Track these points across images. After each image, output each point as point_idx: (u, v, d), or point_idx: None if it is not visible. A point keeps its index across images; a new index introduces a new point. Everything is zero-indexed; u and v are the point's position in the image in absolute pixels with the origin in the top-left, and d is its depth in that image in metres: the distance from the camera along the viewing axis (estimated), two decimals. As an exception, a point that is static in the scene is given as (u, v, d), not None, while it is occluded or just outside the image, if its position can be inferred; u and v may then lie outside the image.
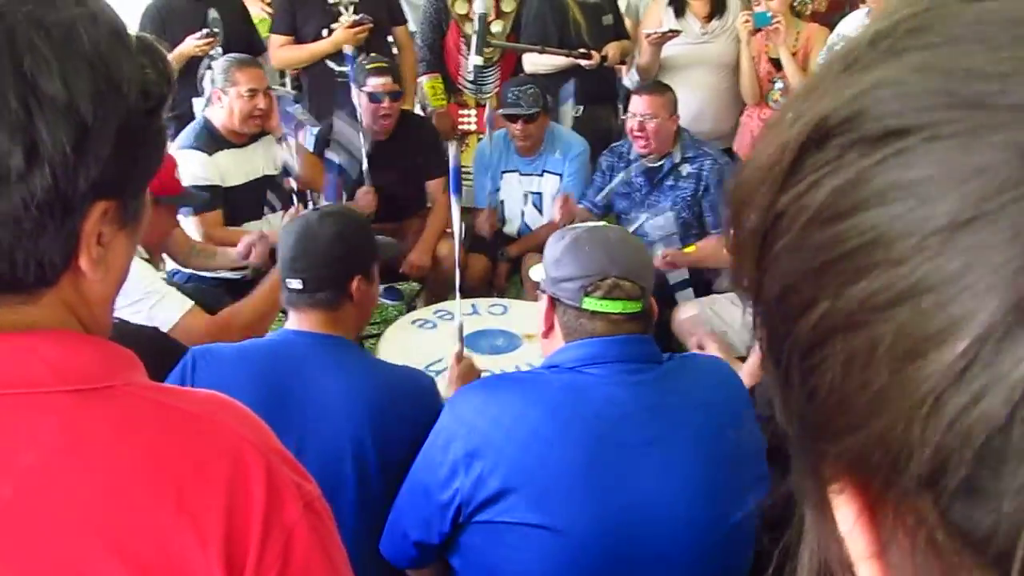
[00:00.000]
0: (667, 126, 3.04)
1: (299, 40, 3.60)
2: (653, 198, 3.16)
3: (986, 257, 0.22)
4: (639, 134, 3.04)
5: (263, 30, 3.92)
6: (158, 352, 1.71)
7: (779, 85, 3.51)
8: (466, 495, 1.31)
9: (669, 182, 3.12)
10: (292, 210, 3.03)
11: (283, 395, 1.54)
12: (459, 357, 1.95)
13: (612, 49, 3.54)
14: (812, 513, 0.30)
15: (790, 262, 0.27)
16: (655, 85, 3.18)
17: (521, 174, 3.44)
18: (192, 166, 2.82)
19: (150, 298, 2.03)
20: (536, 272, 1.59)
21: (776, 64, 3.50)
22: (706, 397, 1.40)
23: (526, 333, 2.56)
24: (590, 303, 1.38)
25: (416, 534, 1.41)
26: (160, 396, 0.65)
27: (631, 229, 2.83)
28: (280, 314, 3.09)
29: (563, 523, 1.27)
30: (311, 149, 3.38)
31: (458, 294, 2.19)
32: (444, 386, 1.86)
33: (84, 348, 0.63)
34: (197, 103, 3.28)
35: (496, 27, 3.63)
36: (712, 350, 1.98)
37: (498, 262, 3.45)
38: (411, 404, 1.61)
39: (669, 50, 3.53)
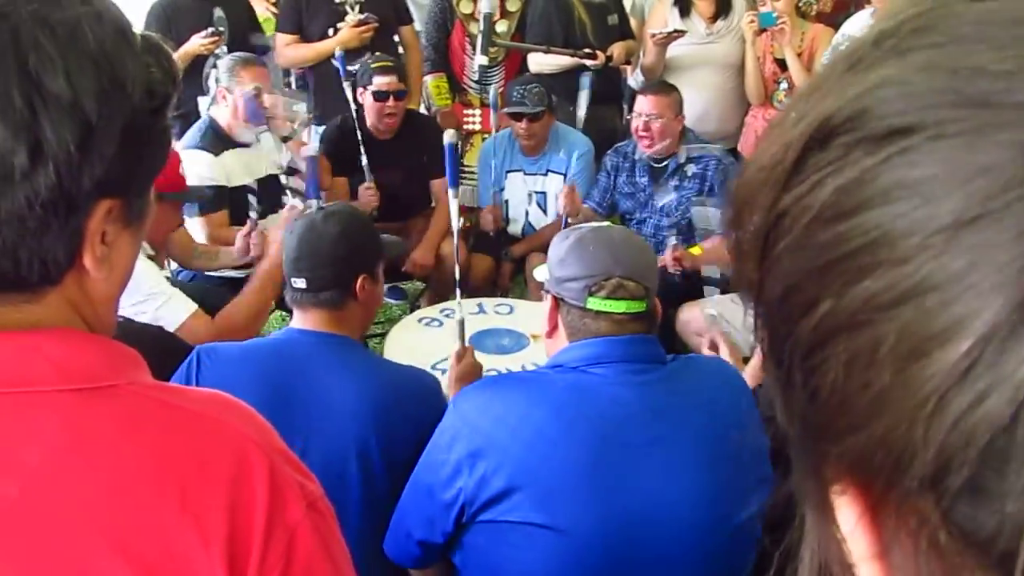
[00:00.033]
0: (672, 126, 3.04)
1: (305, 39, 3.61)
2: (658, 198, 3.16)
3: (991, 256, 0.22)
4: (644, 134, 3.03)
5: (268, 29, 3.93)
6: (162, 351, 1.71)
7: (784, 85, 3.51)
8: (470, 495, 1.31)
9: (674, 182, 3.12)
10: (285, 210, 3.00)
11: (288, 394, 1.54)
12: (460, 356, 1.94)
13: (617, 49, 3.54)
14: (813, 514, 0.30)
15: (792, 262, 0.27)
16: (661, 85, 3.18)
17: (525, 173, 3.44)
18: (198, 167, 2.82)
19: (155, 299, 2.03)
20: (540, 273, 1.59)
21: (781, 64, 3.49)
22: (710, 398, 1.40)
23: (533, 333, 2.56)
24: (594, 303, 1.37)
25: (420, 534, 1.41)
26: (164, 395, 0.65)
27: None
28: (286, 313, 3.09)
29: (567, 523, 1.27)
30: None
31: (458, 292, 2.18)
32: (446, 386, 1.86)
33: (88, 347, 0.63)
34: (202, 102, 3.28)
35: (501, 27, 3.63)
36: (724, 353, 1.98)
37: (502, 262, 3.45)
38: (416, 403, 1.60)
39: (674, 50, 3.53)
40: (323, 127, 3.52)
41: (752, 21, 3.46)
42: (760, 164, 0.29)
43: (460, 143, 3.80)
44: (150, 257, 2.22)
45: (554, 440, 1.29)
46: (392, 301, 3.92)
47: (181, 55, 3.27)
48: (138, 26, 0.64)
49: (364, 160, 3.23)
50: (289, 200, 3.06)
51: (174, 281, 2.60)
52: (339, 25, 3.54)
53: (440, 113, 3.74)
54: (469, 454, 1.31)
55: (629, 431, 1.31)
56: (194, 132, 3.00)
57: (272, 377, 1.55)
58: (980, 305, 0.22)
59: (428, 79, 3.73)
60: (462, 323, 2.00)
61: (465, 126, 3.81)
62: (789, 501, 0.32)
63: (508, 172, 3.45)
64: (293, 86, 4.25)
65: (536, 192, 3.45)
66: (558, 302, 1.44)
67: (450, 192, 2.10)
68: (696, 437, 1.33)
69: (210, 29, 3.38)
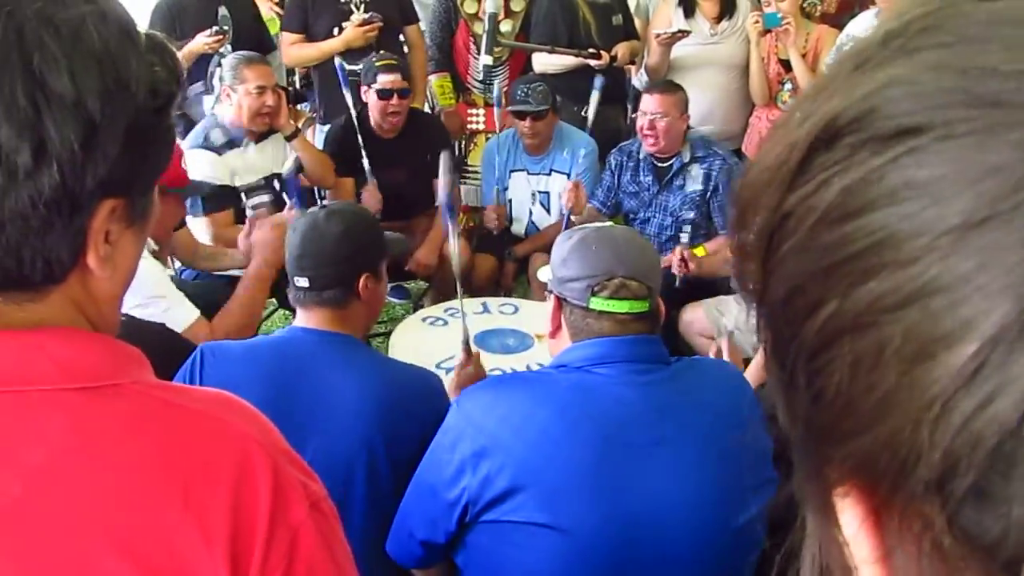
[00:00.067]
0: (677, 125, 3.04)
1: (310, 38, 3.61)
2: (662, 197, 3.16)
3: (1000, 258, 0.22)
4: (649, 132, 3.03)
5: (272, 29, 3.93)
6: (166, 350, 1.71)
7: (788, 86, 3.50)
8: (473, 494, 1.31)
9: (678, 181, 3.12)
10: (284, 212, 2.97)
11: (291, 393, 1.54)
12: (465, 363, 1.93)
13: (622, 49, 3.54)
14: (815, 516, 0.30)
15: (797, 263, 0.27)
16: (667, 84, 3.17)
17: (529, 173, 3.44)
18: (202, 166, 2.83)
19: (158, 304, 2.03)
20: (543, 273, 1.59)
21: (786, 65, 3.49)
22: (714, 399, 1.40)
23: (537, 333, 2.56)
24: (597, 303, 1.37)
25: (422, 533, 1.40)
26: (167, 395, 0.65)
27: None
28: (289, 312, 3.09)
29: (570, 523, 1.26)
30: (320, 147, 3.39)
31: (460, 291, 2.15)
32: (450, 388, 1.85)
33: (92, 346, 0.63)
34: (207, 100, 3.29)
35: (505, 26, 3.63)
36: (726, 356, 1.98)
37: (505, 262, 3.45)
38: (420, 402, 1.60)
39: (679, 50, 3.52)
40: (327, 126, 3.52)
41: (757, 21, 3.46)
42: (765, 164, 0.29)
43: (464, 143, 3.81)
44: (153, 252, 2.22)
45: (558, 440, 1.29)
46: (395, 300, 3.92)
47: (185, 54, 3.28)
48: (142, 25, 0.64)
49: (366, 163, 3.23)
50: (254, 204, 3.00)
51: (178, 280, 2.60)
52: (344, 24, 3.54)
53: (444, 113, 3.75)
54: (473, 454, 1.31)
55: (633, 431, 1.31)
56: (198, 131, 3.00)
57: (276, 375, 1.55)
58: (988, 307, 0.22)
59: (432, 79, 3.73)
60: (466, 339, 1.98)
61: (469, 126, 3.82)
62: (791, 503, 0.32)
63: (512, 171, 3.45)
64: (297, 85, 4.25)
65: (540, 191, 3.45)
66: (561, 302, 1.44)
67: (449, 226, 2.05)
68: (700, 438, 1.33)
69: (214, 28, 3.39)
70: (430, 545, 1.41)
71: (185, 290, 2.20)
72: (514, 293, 3.45)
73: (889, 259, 0.24)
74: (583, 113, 3.48)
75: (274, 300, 3.10)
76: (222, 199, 2.90)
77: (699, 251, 2.99)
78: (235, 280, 2.84)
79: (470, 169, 3.74)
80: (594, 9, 3.59)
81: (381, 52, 3.38)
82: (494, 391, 1.41)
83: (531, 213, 3.48)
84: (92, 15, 0.58)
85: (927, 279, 0.23)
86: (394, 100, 3.19)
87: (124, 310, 0.71)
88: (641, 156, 3.18)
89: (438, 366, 2.28)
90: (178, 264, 2.97)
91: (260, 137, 3.05)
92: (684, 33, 3.43)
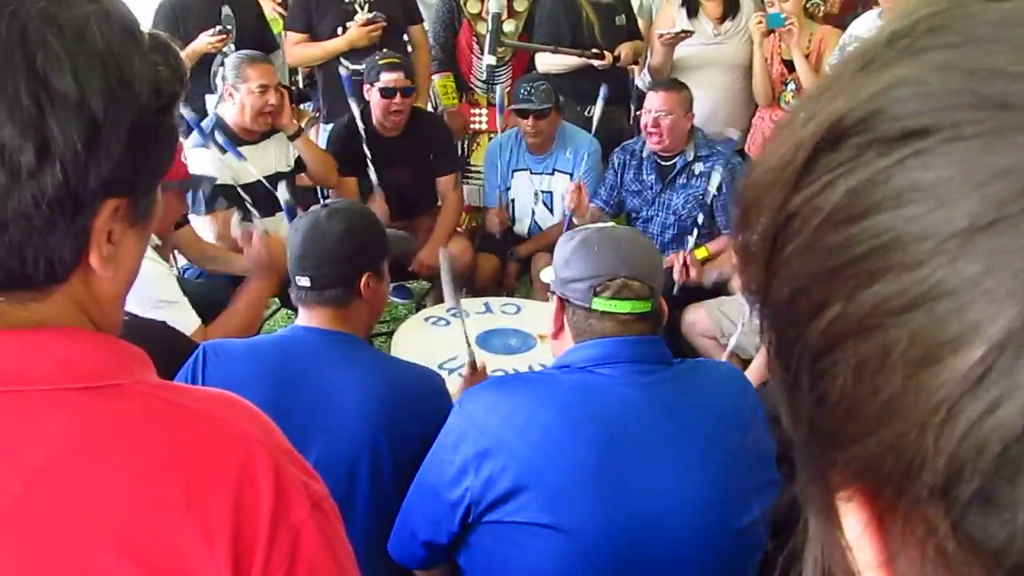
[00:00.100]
0: (682, 123, 3.04)
1: (315, 38, 3.61)
2: (665, 196, 3.16)
3: (1007, 261, 0.22)
4: (653, 130, 3.03)
5: (275, 28, 3.94)
6: (167, 349, 1.71)
7: (791, 87, 3.50)
8: (476, 495, 1.31)
9: (681, 180, 3.12)
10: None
11: (294, 392, 1.53)
12: (471, 374, 1.93)
13: (625, 49, 3.54)
14: (817, 520, 0.30)
15: (801, 265, 0.27)
16: (671, 82, 3.17)
17: (532, 173, 3.43)
18: (205, 165, 2.83)
19: (160, 309, 2.03)
20: (546, 274, 1.58)
21: (789, 65, 3.48)
22: (717, 400, 1.40)
23: (540, 333, 2.55)
24: (599, 303, 1.37)
25: (425, 534, 1.40)
26: (169, 395, 0.65)
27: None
28: (291, 311, 3.09)
29: (573, 523, 1.26)
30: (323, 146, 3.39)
31: (461, 299, 2.15)
32: (455, 391, 1.85)
33: (94, 346, 0.63)
34: (210, 100, 3.29)
35: (509, 26, 3.63)
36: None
37: (508, 262, 3.45)
38: (423, 401, 1.60)
39: (682, 51, 3.52)
40: (330, 125, 3.52)
41: (760, 22, 3.45)
42: (769, 165, 0.29)
43: (466, 142, 3.81)
44: (156, 248, 2.22)
45: (561, 440, 1.28)
46: (398, 300, 3.92)
47: (189, 53, 3.28)
48: (146, 24, 0.64)
49: (372, 173, 3.23)
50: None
51: (182, 279, 2.60)
52: (348, 24, 3.55)
53: (447, 112, 3.75)
54: (476, 454, 1.30)
55: (636, 432, 1.31)
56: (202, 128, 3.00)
57: (278, 374, 1.55)
58: (995, 311, 0.21)
59: (435, 78, 3.74)
60: (472, 359, 1.97)
61: (472, 126, 3.82)
62: (794, 505, 0.32)
63: (514, 171, 3.45)
64: (300, 85, 4.26)
65: (542, 191, 3.44)
66: (563, 303, 1.44)
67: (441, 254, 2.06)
68: (703, 439, 1.33)
69: (218, 27, 3.39)
70: (432, 546, 1.41)
71: (187, 289, 2.20)
72: (517, 293, 3.45)
73: (895, 262, 0.24)
74: (586, 113, 3.48)
75: (277, 299, 3.10)
76: (224, 197, 2.89)
77: (701, 252, 2.98)
78: (238, 280, 2.85)
79: (473, 169, 3.74)
80: (597, 9, 3.58)
81: (384, 51, 3.38)
82: (497, 392, 1.40)
83: (534, 213, 3.48)
84: (96, 14, 0.58)
85: (933, 283, 0.23)
86: (397, 98, 3.19)
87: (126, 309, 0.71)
88: (644, 155, 3.17)
89: (440, 366, 2.28)
90: (181, 262, 2.97)
91: (263, 136, 3.05)
92: (687, 33, 3.43)
